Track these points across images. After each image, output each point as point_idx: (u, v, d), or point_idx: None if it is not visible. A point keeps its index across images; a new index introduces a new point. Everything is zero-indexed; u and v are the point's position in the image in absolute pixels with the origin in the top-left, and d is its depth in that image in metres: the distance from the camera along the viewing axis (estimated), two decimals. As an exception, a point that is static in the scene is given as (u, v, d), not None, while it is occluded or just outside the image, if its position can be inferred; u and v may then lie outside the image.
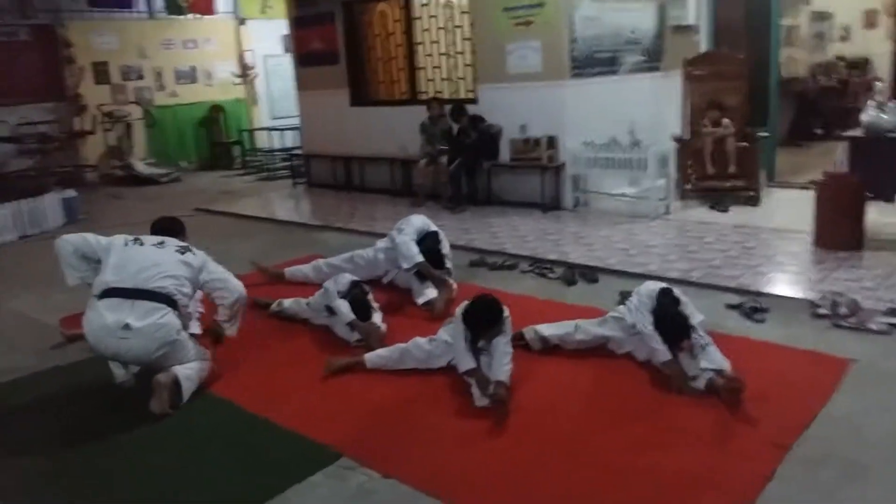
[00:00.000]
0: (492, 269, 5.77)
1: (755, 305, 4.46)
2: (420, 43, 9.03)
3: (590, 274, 5.35)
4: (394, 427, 3.33)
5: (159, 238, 3.91)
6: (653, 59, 8.76)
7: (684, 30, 8.77)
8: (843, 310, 4.15)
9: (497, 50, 7.96)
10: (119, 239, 3.82)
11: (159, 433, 3.38)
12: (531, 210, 7.67)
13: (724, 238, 6.12)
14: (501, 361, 3.54)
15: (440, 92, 8.88)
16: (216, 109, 13.65)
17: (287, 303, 4.81)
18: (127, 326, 3.45)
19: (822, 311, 4.26)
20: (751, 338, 4.09)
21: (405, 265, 4.95)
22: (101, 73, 12.46)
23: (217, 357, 3.97)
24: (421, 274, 4.97)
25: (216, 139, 13.66)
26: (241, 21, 14.23)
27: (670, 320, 3.61)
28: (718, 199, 7.34)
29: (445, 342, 3.79)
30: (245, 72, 14.33)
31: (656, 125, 8.45)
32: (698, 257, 5.59)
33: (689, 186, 7.68)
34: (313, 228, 7.61)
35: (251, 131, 13.78)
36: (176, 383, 3.58)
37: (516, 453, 3.07)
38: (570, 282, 5.30)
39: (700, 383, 3.46)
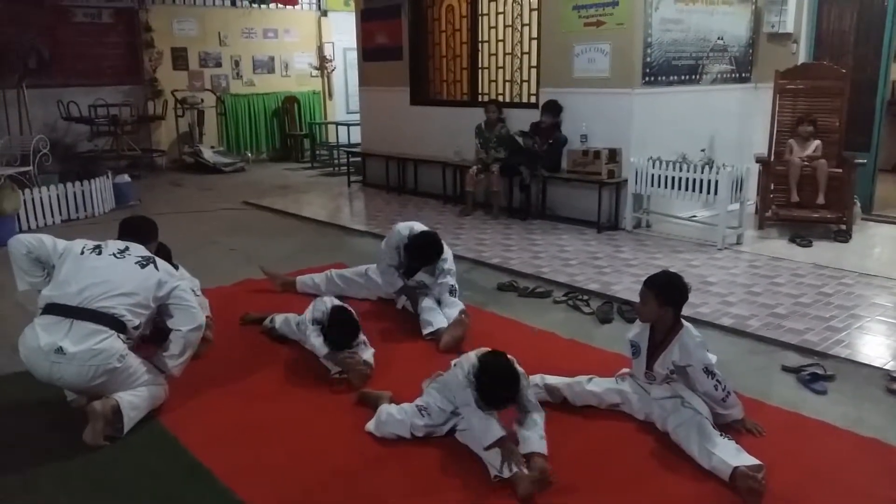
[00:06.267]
0: (521, 294, 5.15)
1: (817, 371, 3.69)
2: (485, 41, 8.45)
3: (629, 311, 4.65)
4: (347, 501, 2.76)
5: (123, 244, 3.51)
6: (741, 69, 7.90)
7: (781, 38, 7.85)
8: (926, 390, 3.33)
9: (563, 51, 7.31)
10: (77, 245, 3.44)
11: (80, 468, 2.97)
12: (586, 228, 6.99)
13: (798, 279, 5.28)
14: (535, 430, 2.93)
15: (501, 94, 8.29)
16: (291, 101, 13.52)
17: (279, 320, 4.35)
18: (60, 350, 3.06)
19: (899, 387, 3.46)
20: (803, 413, 3.33)
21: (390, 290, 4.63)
22: (179, 58, 12.51)
23: (180, 380, 3.56)
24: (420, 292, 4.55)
25: (289, 131, 13.54)
26: (324, 13, 14.05)
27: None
28: (801, 232, 6.45)
29: (441, 409, 3.13)
30: (323, 64, 14.15)
31: (739, 143, 7.66)
32: (762, 301, 4.80)
33: (769, 214, 6.80)
34: (350, 232, 7.18)
35: (321, 125, 13.57)
36: (116, 412, 3.17)
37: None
38: (605, 319, 4.62)
39: (723, 471, 2.78)
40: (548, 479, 2.75)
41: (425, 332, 4.31)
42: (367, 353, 3.87)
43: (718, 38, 7.56)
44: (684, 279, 3.26)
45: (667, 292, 3.16)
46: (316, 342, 3.76)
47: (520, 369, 3.07)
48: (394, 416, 3.17)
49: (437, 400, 3.16)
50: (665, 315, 3.16)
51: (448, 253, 4.63)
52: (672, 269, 5.51)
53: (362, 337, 3.93)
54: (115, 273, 3.32)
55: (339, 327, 3.78)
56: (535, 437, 2.91)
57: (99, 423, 3.11)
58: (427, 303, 4.43)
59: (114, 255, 3.41)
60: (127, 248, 3.48)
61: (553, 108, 7.31)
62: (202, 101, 12.44)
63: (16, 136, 9.56)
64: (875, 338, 4.23)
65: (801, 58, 7.82)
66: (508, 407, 2.97)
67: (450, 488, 2.80)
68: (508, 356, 3.09)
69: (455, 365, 3.16)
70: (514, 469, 2.74)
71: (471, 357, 3.10)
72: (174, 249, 4.31)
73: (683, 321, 3.20)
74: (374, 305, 4.85)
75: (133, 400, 3.24)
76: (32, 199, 7.54)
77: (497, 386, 2.91)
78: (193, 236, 7.00)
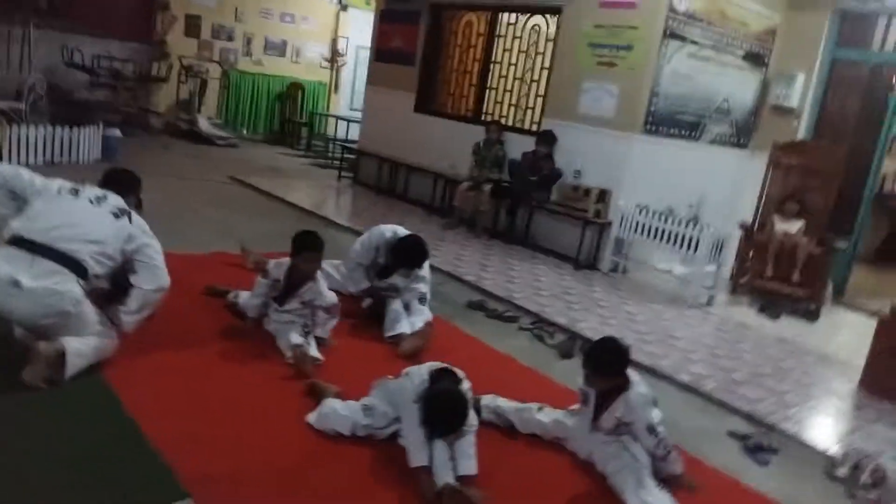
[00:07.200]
0: (488, 315, 5.14)
1: (762, 442, 3.70)
2: (498, 62, 8.50)
3: (591, 351, 4.66)
4: (279, 492, 2.70)
5: (102, 192, 3.47)
6: (741, 135, 8.01)
7: (784, 111, 7.97)
8: (864, 478, 3.35)
9: (572, 86, 7.37)
10: (54, 184, 3.41)
11: (12, 405, 2.89)
12: (563, 263, 7.01)
13: (761, 349, 5.32)
14: (466, 451, 2.89)
15: (504, 117, 8.33)
16: (296, 87, 13.49)
17: (243, 297, 4.30)
18: (17, 283, 3.00)
19: (839, 472, 3.47)
20: (742, 483, 3.33)
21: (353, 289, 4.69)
22: (192, 26, 12.45)
23: (131, 338, 3.50)
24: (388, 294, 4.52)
25: (289, 116, 13.50)
26: (344, 7, 14.08)
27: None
28: (772, 304, 6.51)
29: (386, 413, 3.10)
30: (335, 57, 14.16)
31: (727, 207, 7.73)
32: (721, 364, 4.83)
33: (743, 281, 6.87)
34: (332, 225, 7.15)
35: (322, 116, 13.56)
36: (60, 356, 3.10)
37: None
38: (567, 354, 4.62)
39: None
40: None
41: (387, 334, 4.29)
42: (328, 324, 3.98)
43: (724, 101, 7.67)
44: (621, 343, 3.23)
45: (610, 369, 3.13)
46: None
47: (466, 386, 3.06)
48: (337, 412, 3.14)
49: (382, 403, 3.14)
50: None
51: (426, 261, 4.62)
52: (639, 318, 5.56)
53: (322, 288, 3.99)
54: (87, 219, 3.28)
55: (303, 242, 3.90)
56: (464, 458, 2.87)
57: (41, 365, 3.04)
58: (395, 305, 4.41)
59: (90, 200, 3.37)
60: (105, 197, 3.44)
61: (549, 139, 7.35)
62: (208, 71, 12.38)
63: (14, 72, 9.44)
64: (825, 420, 4.27)
65: (801, 134, 7.94)
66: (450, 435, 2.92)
67: (379, 492, 2.77)
68: (458, 374, 3.07)
69: (405, 374, 3.14)
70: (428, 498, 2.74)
71: (422, 372, 3.08)
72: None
73: (632, 377, 3.17)
74: (343, 300, 4.78)
75: (80, 347, 3.18)
76: (18, 136, 7.44)
77: (443, 420, 2.87)
78: (174, 201, 6.93)
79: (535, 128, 7.88)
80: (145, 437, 2.83)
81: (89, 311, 3.25)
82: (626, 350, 3.21)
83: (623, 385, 3.13)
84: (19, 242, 3.14)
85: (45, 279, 3.06)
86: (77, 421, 2.91)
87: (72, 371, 3.14)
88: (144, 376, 3.35)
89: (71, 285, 3.12)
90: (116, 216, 3.38)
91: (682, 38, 6.98)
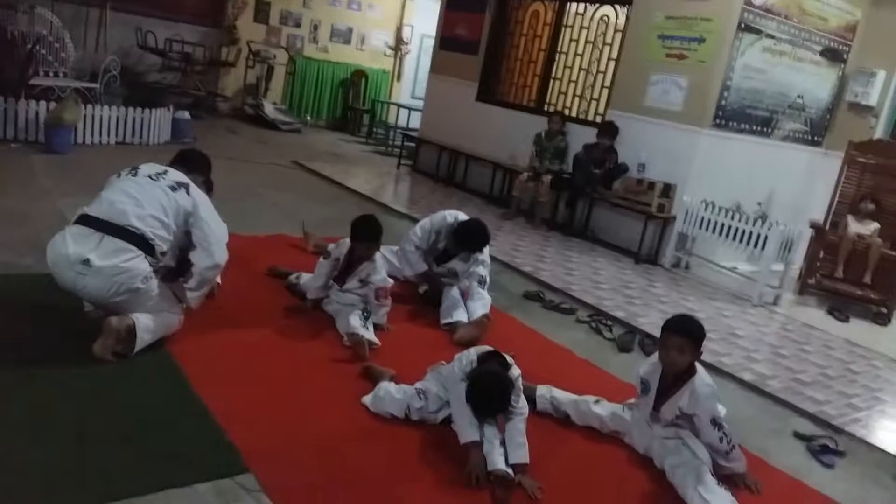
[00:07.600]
0: (545, 306, 5.10)
1: (829, 444, 3.58)
2: (563, 53, 8.39)
3: (650, 345, 4.57)
4: (335, 470, 2.72)
5: (162, 168, 3.51)
6: (815, 132, 7.73)
7: (862, 109, 7.66)
8: (938, 489, 3.21)
9: (639, 78, 7.22)
10: (115, 175, 3.48)
11: (81, 377, 2.99)
12: (623, 257, 6.90)
13: (828, 351, 5.14)
14: (517, 439, 2.90)
15: (567, 108, 8.23)
16: (359, 74, 13.59)
17: (305, 278, 4.37)
18: (87, 262, 3.09)
19: (911, 480, 3.34)
20: (807, 483, 3.23)
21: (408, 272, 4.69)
22: (261, 12, 12.64)
23: (196, 315, 3.59)
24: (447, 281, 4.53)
25: (351, 103, 13.62)
26: (410, -5, 14.10)
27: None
28: (841, 306, 6.28)
29: (439, 396, 3.13)
30: (399, 45, 14.22)
31: (797, 205, 7.49)
32: (787, 365, 4.68)
33: (812, 281, 6.64)
34: (390, 211, 7.19)
35: (384, 103, 13.64)
36: (130, 331, 3.20)
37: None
38: (625, 348, 4.55)
39: None
40: (534, 493, 2.73)
41: (444, 321, 4.30)
42: (382, 310, 4.03)
43: (798, 97, 7.41)
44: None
45: (700, 339, 3.07)
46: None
47: (515, 372, 3.05)
48: (392, 395, 3.16)
49: (435, 387, 3.16)
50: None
51: (486, 245, 4.62)
52: (700, 315, 5.43)
53: (379, 266, 4.06)
54: (144, 193, 3.32)
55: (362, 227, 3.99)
56: (516, 447, 2.87)
57: (111, 339, 3.14)
58: (452, 292, 4.42)
59: (149, 176, 3.43)
60: (165, 172, 3.48)
61: (612, 131, 7.21)
62: (275, 57, 12.58)
63: (90, 52, 9.76)
64: (895, 424, 4.10)
65: (878, 133, 7.62)
66: (496, 416, 2.94)
67: (429, 473, 2.78)
68: (506, 358, 3.08)
69: (456, 359, 3.15)
70: (476, 481, 2.73)
71: (471, 353, 3.10)
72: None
73: (697, 365, 3.11)
74: (400, 285, 4.82)
75: (148, 323, 3.26)
76: (93, 116, 7.69)
77: (486, 399, 2.88)
78: (239, 184, 7.07)
79: (598, 119, 7.76)
80: (209, 412, 2.90)
81: (157, 287, 3.33)
82: (703, 325, 3.15)
83: (690, 372, 3.06)
84: (87, 221, 3.21)
85: (114, 257, 3.13)
86: (144, 393, 2.99)
87: (140, 346, 3.24)
88: (208, 353, 3.43)
89: (139, 262, 3.19)
90: (174, 189, 3.41)
91: (758, 32, 6.76)
